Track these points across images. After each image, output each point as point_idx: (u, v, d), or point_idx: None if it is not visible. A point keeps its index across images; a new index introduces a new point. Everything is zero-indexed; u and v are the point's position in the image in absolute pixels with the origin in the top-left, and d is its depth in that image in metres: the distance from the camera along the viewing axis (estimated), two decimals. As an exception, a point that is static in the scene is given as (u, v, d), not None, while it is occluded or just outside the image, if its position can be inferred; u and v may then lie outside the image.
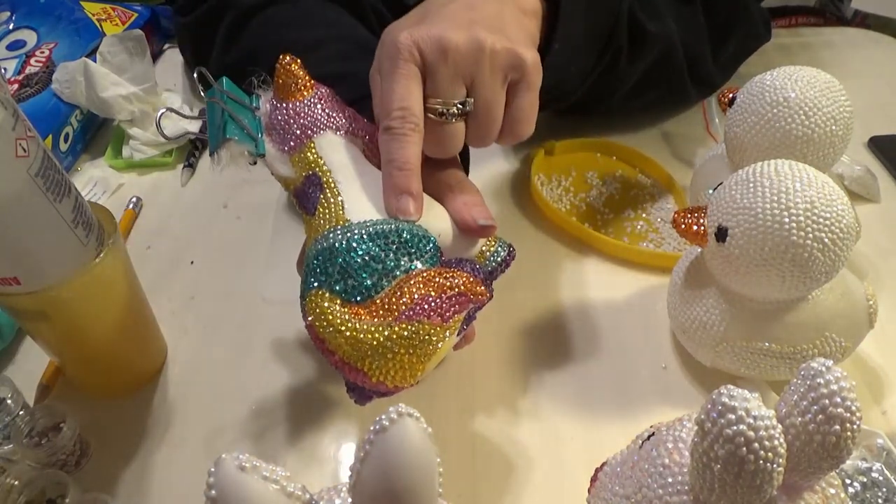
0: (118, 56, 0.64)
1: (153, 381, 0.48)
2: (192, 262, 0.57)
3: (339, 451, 0.44)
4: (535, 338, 0.51)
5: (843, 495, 0.30)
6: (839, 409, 0.26)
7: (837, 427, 0.26)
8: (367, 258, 0.35)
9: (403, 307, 0.34)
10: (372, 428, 0.25)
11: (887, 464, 0.41)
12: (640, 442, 0.33)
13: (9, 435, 0.42)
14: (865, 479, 0.41)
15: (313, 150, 0.39)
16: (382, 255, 0.36)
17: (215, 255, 0.57)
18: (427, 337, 0.34)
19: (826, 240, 0.37)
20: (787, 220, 0.37)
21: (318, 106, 0.40)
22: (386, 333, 0.34)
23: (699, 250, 0.45)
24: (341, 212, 0.37)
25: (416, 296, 0.34)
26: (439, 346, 0.35)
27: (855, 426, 0.26)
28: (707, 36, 0.64)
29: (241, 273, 0.55)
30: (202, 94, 0.40)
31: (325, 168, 0.39)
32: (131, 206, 0.61)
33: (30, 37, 0.71)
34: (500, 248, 0.41)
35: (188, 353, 0.50)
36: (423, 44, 0.38)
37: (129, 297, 0.44)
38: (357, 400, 0.37)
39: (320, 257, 0.36)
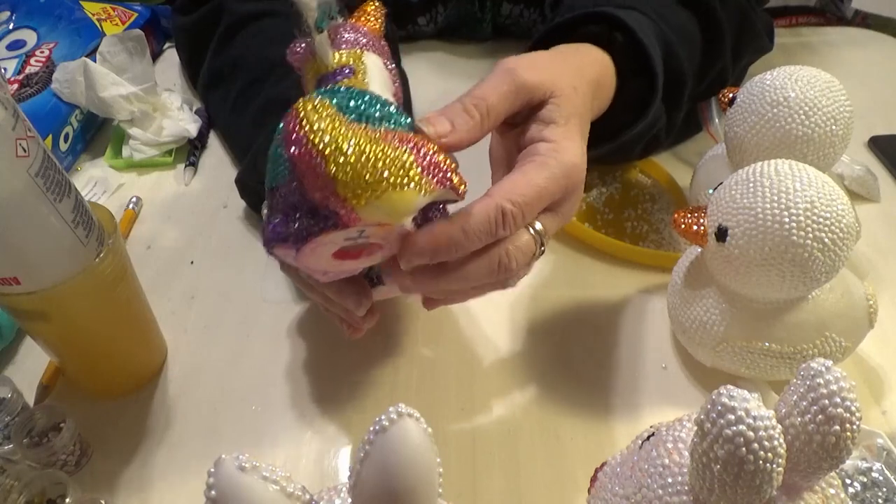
0: (118, 56, 0.64)
1: (153, 381, 0.48)
2: (192, 262, 0.57)
3: (339, 451, 0.44)
4: (535, 338, 0.51)
5: (843, 495, 0.30)
6: (839, 410, 0.26)
7: (837, 427, 0.26)
8: (380, 99, 0.35)
9: (396, 137, 0.33)
10: (372, 428, 0.25)
11: (887, 464, 0.41)
12: (640, 442, 0.33)
13: (9, 435, 0.42)
14: (865, 479, 0.41)
15: (359, 55, 0.40)
16: (395, 112, 0.35)
17: (215, 255, 0.57)
18: (406, 167, 0.32)
19: (826, 240, 0.37)
20: (787, 219, 0.37)
21: (381, 42, 0.42)
22: (373, 138, 0.32)
23: (699, 250, 0.45)
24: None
25: (411, 138, 0.34)
26: (406, 185, 0.32)
27: (855, 426, 0.26)
28: (730, 73, 0.63)
29: (241, 273, 0.55)
30: None
31: (363, 68, 0.39)
32: (131, 206, 0.61)
33: (30, 37, 0.71)
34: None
35: (188, 353, 0.50)
36: (575, 171, 0.39)
37: (129, 297, 0.44)
38: (269, 239, 0.35)
39: (329, 87, 0.36)
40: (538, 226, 0.39)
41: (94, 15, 0.75)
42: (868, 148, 0.68)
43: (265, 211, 0.43)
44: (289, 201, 0.34)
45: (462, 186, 0.35)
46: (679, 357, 0.49)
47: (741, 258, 0.39)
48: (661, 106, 0.52)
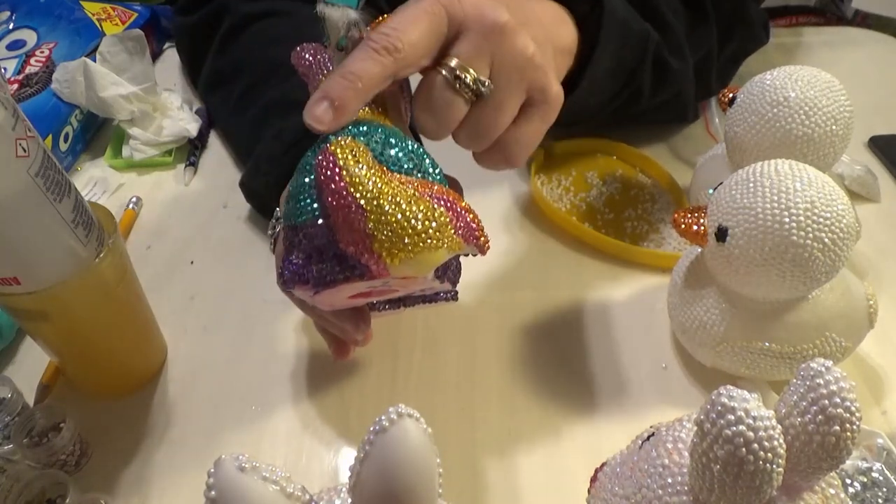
0: (118, 56, 0.64)
1: (153, 381, 0.48)
2: (192, 262, 0.57)
3: (339, 451, 0.44)
4: (535, 338, 0.51)
5: (843, 495, 0.30)
6: (839, 410, 0.26)
7: (837, 427, 0.26)
8: (413, 147, 0.35)
9: (433, 193, 0.33)
10: (372, 428, 0.25)
11: (887, 464, 0.41)
12: (640, 442, 0.33)
13: (9, 435, 0.42)
14: (865, 479, 0.41)
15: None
16: (426, 159, 0.36)
17: (215, 255, 0.57)
18: (442, 229, 0.32)
19: (826, 240, 0.37)
20: (787, 220, 0.37)
21: None
22: (411, 195, 0.32)
23: (699, 250, 0.45)
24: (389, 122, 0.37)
25: (444, 194, 0.34)
26: (439, 245, 0.33)
27: (855, 426, 0.26)
28: (717, 53, 0.63)
29: (241, 273, 0.55)
30: None
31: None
32: (131, 206, 0.61)
33: (30, 37, 0.71)
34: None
35: (188, 353, 0.50)
36: (472, 7, 0.36)
37: (129, 297, 0.44)
38: (289, 279, 0.35)
39: (364, 125, 0.35)
40: (452, 62, 0.36)
41: (94, 15, 0.75)
42: (868, 148, 0.68)
43: (273, 239, 0.43)
44: (314, 243, 0.34)
45: (487, 244, 0.35)
46: (679, 357, 0.49)
47: (741, 258, 0.39)
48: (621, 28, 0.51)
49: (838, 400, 0.26)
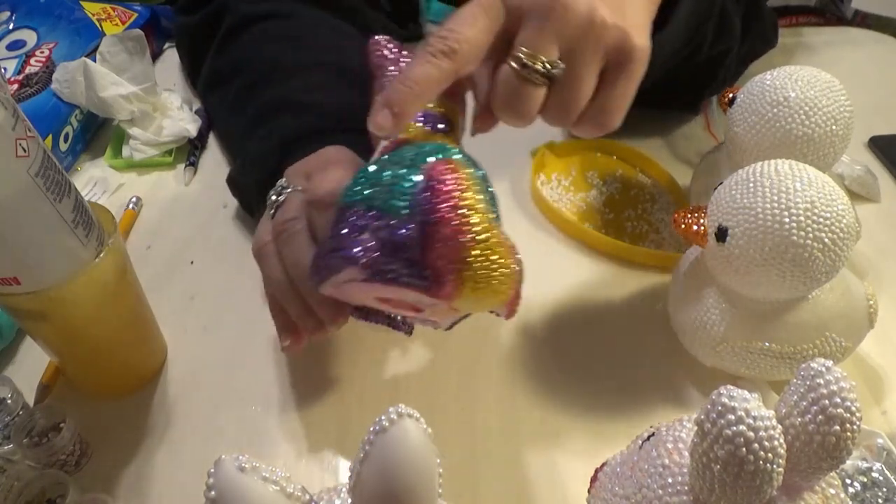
0: (118, 56, 0.64)
1: (153, 381, 0.48)
2: (192, 262, 0.57)
3: (339, 452, 0.44)
4: (535, 338, 0.51)
5: (842, 495, 0.30)
6: (839, 410, 0.26)
7: (837, 427, 0.26)
8: (492, 190, 0.38)
9: (508, 243, 0.34)
10: (372, 428, 0.25)
11: (887, 464, 0.41)
12: (640, 442, 0.33)
13: (9, 435, 0.42)
14: (865, 479, 0.41)
15: (456, 112, 0.41)
16: (496, 202, 0.38)
17: (215, 255, 0.57)
18: (514, 285, 0.34)
19: (826, 240, 0.37)
20: (787, 219, 0.37)
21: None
22: (504, 244, 0.33)
23: (699, 250, 0.45)
24: None
25: (514, 248, 0.35)
26: (500, 295, 0.34)
27: (855, 426, 0.26)
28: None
29: (241, 273, 0.55)
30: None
31: (459, 130, 0.41)
32: (131, 206, 0.61)
33: (30, 37, 0.71)
34: None
35: (188, 353, 0.50)
36: None
37: (128, 297, 0.44)
38: (349, 256, 0.34)
39: (471, 161, 0.37)
40: (518, 52, 0.36)
41: (94, 15, 0.75)
42: (868, 148, 0.68)
43: (274, 207, 0.43)
44: (393, 238, 0.33)
45: (515, 312, 0.37)
46: (679, 357, 0.49)
47: (741, 258, 0.39)
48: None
49: (838, 400, 0.26)
